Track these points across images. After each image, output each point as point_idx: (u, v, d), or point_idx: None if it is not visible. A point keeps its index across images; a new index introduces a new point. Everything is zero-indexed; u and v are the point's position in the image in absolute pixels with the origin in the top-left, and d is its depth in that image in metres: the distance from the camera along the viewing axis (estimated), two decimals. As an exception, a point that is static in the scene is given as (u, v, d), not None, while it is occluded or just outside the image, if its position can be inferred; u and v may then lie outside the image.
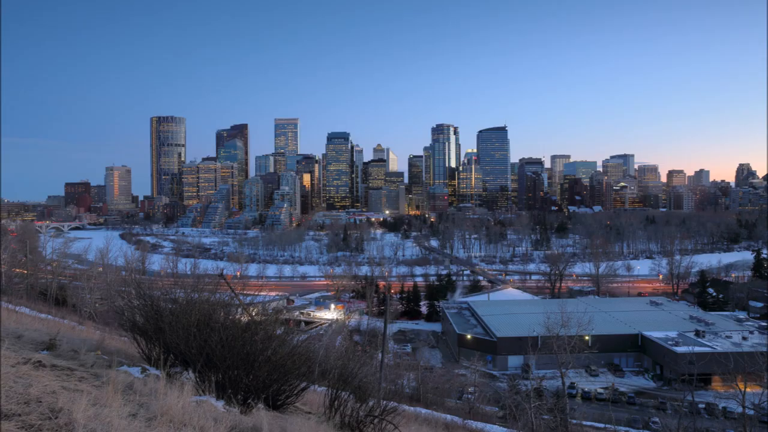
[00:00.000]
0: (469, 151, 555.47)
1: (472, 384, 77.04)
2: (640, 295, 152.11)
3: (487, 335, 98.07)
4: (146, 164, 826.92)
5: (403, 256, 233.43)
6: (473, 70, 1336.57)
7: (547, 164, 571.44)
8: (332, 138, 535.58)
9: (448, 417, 30.55)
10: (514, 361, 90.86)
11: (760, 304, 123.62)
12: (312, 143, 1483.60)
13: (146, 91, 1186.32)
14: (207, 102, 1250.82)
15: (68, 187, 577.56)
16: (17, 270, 71.11)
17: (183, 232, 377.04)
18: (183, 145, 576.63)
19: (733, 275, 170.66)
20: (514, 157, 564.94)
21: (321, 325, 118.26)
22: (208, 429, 7.21)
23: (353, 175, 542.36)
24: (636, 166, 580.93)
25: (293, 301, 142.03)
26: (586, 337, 67.91)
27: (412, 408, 29.24)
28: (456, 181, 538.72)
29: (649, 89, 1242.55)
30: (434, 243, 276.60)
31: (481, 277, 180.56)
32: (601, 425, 60.99)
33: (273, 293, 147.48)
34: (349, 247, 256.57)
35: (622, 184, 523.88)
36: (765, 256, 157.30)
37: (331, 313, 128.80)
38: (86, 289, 69.68)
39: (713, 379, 79.44)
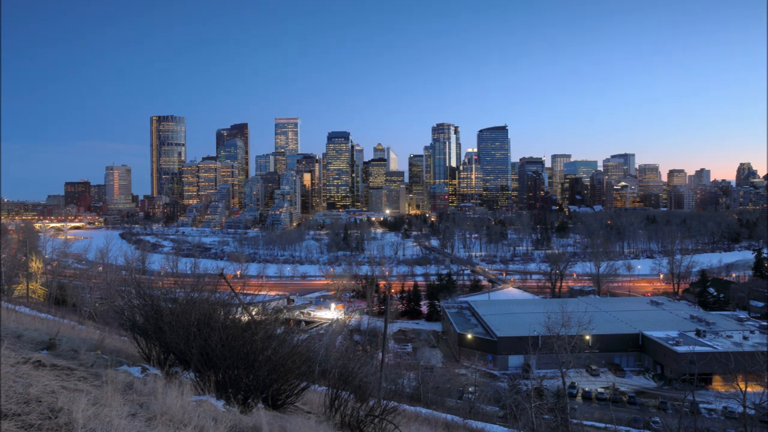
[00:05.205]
0: (470, 150, 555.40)
1: (473, 383, 77.12)
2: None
3: (487, 335, 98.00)
4: (146, 164, 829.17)
5: (404, 255, 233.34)
6: (474, 70, 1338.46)
7: (548, 164, 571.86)
8: (332, 137, 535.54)
9: (449, 416, 30.52)
10: (515, 360, 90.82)
11: (761, 304, 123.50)
12: (312, 143, 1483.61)
13: (146, 91, 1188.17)
14: (207, 101, 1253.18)
15: (68, 186, 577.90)
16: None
17: (183, 232, 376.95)
18: (183, 145, 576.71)
19: (733, 275, 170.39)
20: (515, 157, 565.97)
21: (321, 324, 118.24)
22: (207, 429, 7.19)
23: (353, 175, 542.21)
24: (637, 166, 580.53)
25: (293, 301, 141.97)
26: (587, 337, 67.91)
27: (412, 408, 29.21)
28: (456, 181, 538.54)
29: (650, 89, 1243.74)
30: (435, 242, 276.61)
31: (481, 277, 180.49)
32: (602, 425, 61.06)
33: (273, 293, 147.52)
34: (350, 246, 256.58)
35: (623, 183, 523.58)
36: (766, 255, 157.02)
37: (331, 313, 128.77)
38: (86, 289, 69.68)
39: (714, 378, 79.39)
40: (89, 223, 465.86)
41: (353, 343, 75.46)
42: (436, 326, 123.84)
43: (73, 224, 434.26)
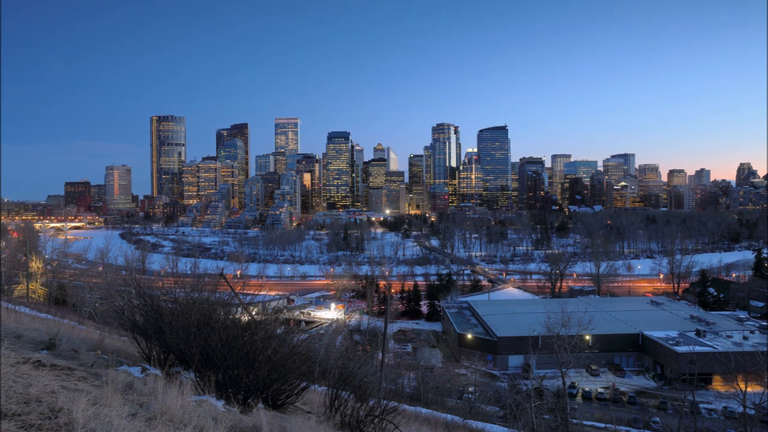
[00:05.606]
0: (470, 150, 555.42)
1: (473, 383, 77.14)
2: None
3: (487, 335, 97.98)
4: (146, 164, 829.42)
5: (404, 255, 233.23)
6: (474, 70, 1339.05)
7: (548, 164, 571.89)
8: (332, 137, 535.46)
9: (449, 416, 30.51)
10: (515, 360, 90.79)
11: (761, 304, 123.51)
12: (312, 143, 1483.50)
13: (146, 91, 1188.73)
14: (207, 101, 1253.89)
15: (68, 186, 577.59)
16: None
17: (183, 232, 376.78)
18: (183, 145, 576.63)
19: (733, 275, 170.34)
20: (515, 157, 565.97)
21: (321, 324, 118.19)
22: (207, 429, 7.19)
23: (353, 175, 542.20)
24: (637, 166, 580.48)
25: (293, 301, 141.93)
26: (587, 337, 67.85)
27: (412, 408, 29.21)
28: (456, 181, 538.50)
29: (651, 89, 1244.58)
30: (435, 242, 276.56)
31: (481, 277, 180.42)
32: (602, 425, 61.05)
33: (273, 293, 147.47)
34: (350, 246, 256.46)
35: (623, 183, 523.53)
36: (766, 255, 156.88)
37: (331, 313, 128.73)
38: (86, 289, 69.66)
39: (714, 378, 79.38)
40: (89, 223, 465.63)
41: (353, 343, 75.41)
42: (436, 326, 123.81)
43: (73, 224, 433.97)
